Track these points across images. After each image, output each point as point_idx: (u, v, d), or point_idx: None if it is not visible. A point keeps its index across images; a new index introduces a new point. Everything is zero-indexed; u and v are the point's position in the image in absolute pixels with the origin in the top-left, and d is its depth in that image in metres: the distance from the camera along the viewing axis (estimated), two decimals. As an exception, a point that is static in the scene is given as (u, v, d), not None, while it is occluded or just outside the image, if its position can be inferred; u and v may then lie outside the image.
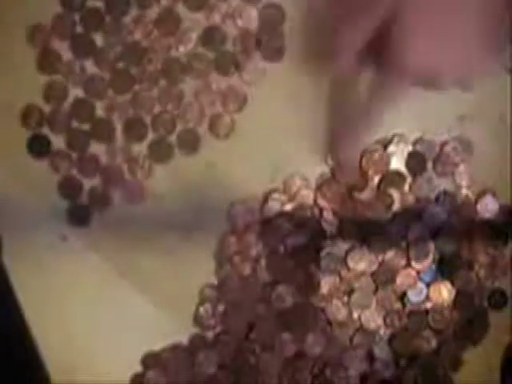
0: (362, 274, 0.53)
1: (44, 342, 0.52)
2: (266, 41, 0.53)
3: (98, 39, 0.53)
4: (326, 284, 0.53)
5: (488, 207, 0.54)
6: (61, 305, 0.53)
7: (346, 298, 0.54)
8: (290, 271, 0.53)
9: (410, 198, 0.54)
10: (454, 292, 0.54)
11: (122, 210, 0.53)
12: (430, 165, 0.54)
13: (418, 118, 0.53)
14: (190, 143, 0.54)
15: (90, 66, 0.53)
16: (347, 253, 0.53)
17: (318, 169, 0.54)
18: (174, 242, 0.54)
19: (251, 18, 0.53)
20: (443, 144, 0.54)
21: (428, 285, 0.54)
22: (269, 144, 0.53)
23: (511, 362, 0.54)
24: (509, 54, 0.59)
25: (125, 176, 0.54)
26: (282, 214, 0.53)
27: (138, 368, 0.54)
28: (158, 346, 0.54)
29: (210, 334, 0.54)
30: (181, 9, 0.53)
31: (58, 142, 0.53)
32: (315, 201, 0.53)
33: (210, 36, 0.53)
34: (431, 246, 0.53)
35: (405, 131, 0.53)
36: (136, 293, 0.54)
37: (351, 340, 0.54)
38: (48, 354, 0.52)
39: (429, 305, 0.54)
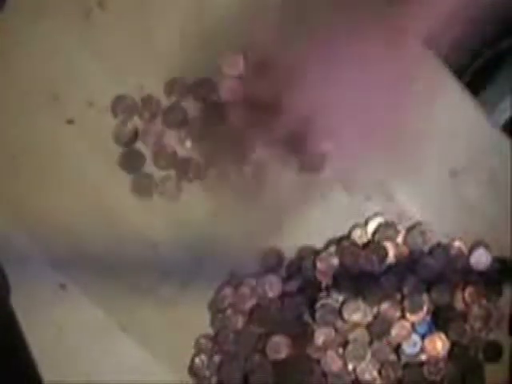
0: (357, 325, 0.54)
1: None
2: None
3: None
4: (321, 335, 0.53)
5: (481, 259, 0.54)
6: (57, 352, 0.54)
7: (340, 350, 0.54)
8: (285, 323, 0.53)
9: (404, 250, 0.54)
10: (448, 344, 0.54)
11: (119, 259, 0.54)
12: (423, 217, 0.55)
13: (410, 173, 0.54)
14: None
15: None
16: (342, 304, 0.53)
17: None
18: (171, 292, 0.54)
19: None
20: (436, 197, 0.55)
21: (423, 337, 0.54)
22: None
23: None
24: (499, 110, 0.61)
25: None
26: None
27: (134, 419, 0.54)
28: (153, 396, 0.54)
29: (205, 386, 0.54)
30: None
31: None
32: (310, 252, 0.54)
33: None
34: (425, 297, 0.54)
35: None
36: (132, 343, 0.54)
37: (347, 392, 0.54)
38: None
39: (424, 357, 0.54)
